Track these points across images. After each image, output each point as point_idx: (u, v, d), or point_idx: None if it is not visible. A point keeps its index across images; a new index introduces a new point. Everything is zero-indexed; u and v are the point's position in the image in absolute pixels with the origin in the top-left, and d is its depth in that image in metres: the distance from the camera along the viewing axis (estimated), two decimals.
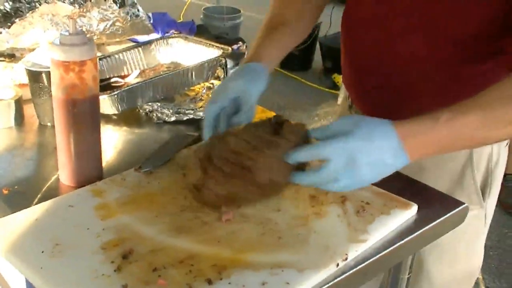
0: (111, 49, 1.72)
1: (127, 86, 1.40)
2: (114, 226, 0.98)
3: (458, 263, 1.37)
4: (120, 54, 1.57)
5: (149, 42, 1.62)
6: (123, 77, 1.55)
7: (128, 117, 1.46)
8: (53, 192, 1.12)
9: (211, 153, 1.02)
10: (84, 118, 1.10)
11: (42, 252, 0.91)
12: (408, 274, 1.17)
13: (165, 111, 1.46)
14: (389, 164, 0.95)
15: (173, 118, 1.45)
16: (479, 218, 1.35)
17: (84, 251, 0.92)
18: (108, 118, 1.43)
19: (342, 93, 3.90)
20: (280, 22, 1.31)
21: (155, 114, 1.46)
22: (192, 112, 1.47)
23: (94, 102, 1.11)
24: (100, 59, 1.52)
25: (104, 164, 1.20)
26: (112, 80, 1.54)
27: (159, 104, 1.48)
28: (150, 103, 1.47)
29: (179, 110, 1.47)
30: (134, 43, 1.74)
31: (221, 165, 1.00)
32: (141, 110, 1.49)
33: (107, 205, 1.04)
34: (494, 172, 1.33)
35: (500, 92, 1.00)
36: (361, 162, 0.93)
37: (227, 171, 1.00)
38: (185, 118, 1.46)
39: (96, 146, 1.15)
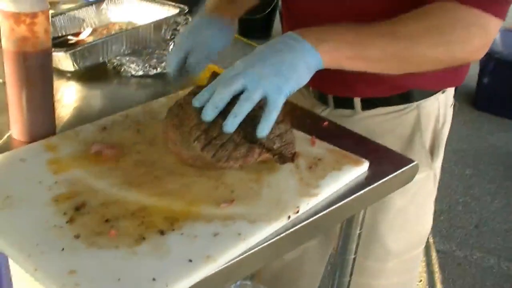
0: (65, 8, 1.69)
1: (87, 43, 1.38)
2: (67, 180, 0.98)
3: (410, 226, 1.40)
4: (72, 12, 1.55)
5: (101, 0, 1.60)
6: (75, 35, 1.53)
7: (95, 71, 1.46)
8: (5, 147, 1.10)
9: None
10: (36, 72, 1.08)
11: None
12: (360, 229, 1.19)
13: (133, 65, 1.48)
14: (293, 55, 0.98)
15: (140, 72, 1.48)
16: (429, 179, 1.37)
17: (36, 203, 0.91)
18: (72, 74, 1.43)
19: None
20: None
21: (123, 68, 1.48)
22: (159, 66, 1.50)
23: (46, 56, 1.09)
24: (52, 16, 1.50)
25: (64, 119, 1.20)
26: (65, 38, 1.52)
27: (127, 59, 1.49)
28: (118, 57, 1.48)
29: (147, 64, 1.49)
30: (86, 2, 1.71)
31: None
32: (109, 64, 1.50)
33: (60, 160, 1.03)
34: (441, 133, 1.35)
35: (415, 14, 1.03)
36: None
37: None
38: (152, 73, 1.49)
39: (49, 101, 1.13)
